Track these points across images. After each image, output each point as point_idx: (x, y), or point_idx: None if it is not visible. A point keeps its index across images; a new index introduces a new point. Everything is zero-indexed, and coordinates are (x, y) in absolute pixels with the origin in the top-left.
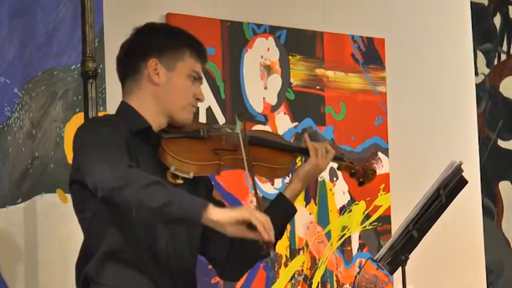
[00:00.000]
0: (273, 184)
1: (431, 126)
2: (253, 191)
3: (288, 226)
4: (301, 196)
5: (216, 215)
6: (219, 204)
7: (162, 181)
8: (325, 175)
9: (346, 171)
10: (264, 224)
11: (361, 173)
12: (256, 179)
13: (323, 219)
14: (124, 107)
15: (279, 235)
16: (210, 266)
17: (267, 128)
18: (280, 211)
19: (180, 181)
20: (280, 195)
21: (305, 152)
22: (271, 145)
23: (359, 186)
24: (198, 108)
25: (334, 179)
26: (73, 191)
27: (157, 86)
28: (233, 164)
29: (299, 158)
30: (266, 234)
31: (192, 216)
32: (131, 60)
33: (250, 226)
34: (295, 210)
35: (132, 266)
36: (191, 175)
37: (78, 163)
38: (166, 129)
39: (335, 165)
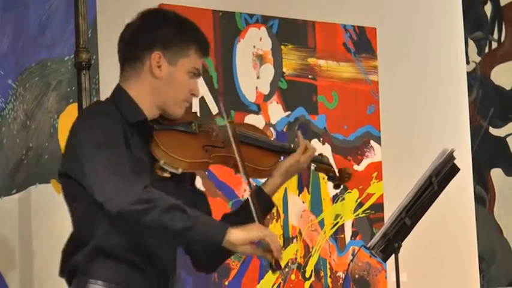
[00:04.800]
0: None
1: (423, 115)
2: (251, 196)
3: (282, 215)
4: (295, 185)
5: (232, 236)
6: (199, 193)
7: (181, 204)
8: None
9: (324, 173)
10: (275, 242)
11: (338, 176)
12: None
13: (316, 207)
14: (121, 93)
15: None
16: None
17: (260, 117)
18: (260, 205)
19: (167, 175)
20: (259, 190)
21: (290, 152)
22: (259, 144)
23: (334, 188)
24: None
25: (350, 178)
26: (65, 184)
27: (157, 79)
28: (221, 161)
29: None
30: (277, 253)
31: (213, 241)
32: (135, 48)
33: (259, 244)
34: (274, 205)
35: (122, 260)
36: (180, 171)
37: (83, 167)
38: (158, 119)
39: (313, 166)
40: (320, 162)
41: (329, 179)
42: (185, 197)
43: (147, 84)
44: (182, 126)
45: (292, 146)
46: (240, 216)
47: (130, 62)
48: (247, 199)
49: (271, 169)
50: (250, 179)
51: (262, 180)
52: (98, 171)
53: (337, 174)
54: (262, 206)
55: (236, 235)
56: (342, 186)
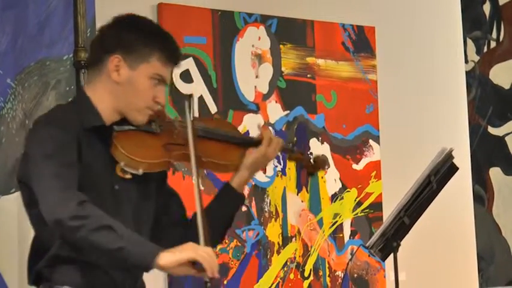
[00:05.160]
0: (265, 172)
1: (421, 114)
2: (198, 201)
3: (280, 214)
4: (293, 184)
5: (162, 260)
6: (171, 193)
7: (114, 224)
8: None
9: (295, 162)
10: (209, 261)
11: (310, 164)
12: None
13: (315, 206)
14: (82, 97)
15: (227, 225)
16: None
17: (259, 116)
18: (229, 201)
19: (128, 176)
20: (227, 186)
21: (256, 145)
22: (223, 138)
23: (308, 176)
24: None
25: (326, 166)
26: (21, 189)
27: (115, 83)
28: (184, 159)
29: None
30: (211, 272)
31: (143, 265)
32: (99, 50)
33: (195, 264)
34: (243, 200)
35: (85, 263)
36: (140, 172)
37: (31, 175)
38: (119, 121)
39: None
40: (291, 151)
41: (301, 167)
42: (151, 198)
43: (107, 88)
44: (142, 126)
45: (257, 138)
46: (218, 203)
47: (93, 65)
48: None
49: (237, 163)
50: (198, 176)
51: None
52: (41, 182)
53: (310, 163)
54: (232, 201)
55: (166, 259)
56: (314, 174)
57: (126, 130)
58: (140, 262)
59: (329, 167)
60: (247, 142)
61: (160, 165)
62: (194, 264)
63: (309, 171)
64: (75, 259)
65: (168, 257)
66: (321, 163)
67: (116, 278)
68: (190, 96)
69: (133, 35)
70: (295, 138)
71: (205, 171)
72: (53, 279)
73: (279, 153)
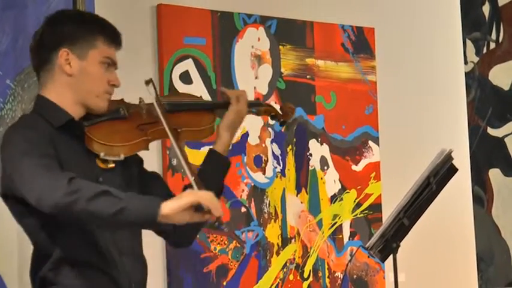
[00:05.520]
0: (264, 173)
1: (421, 115)
2: (184, 162)
3: (280, 215)
4: (293, 185)
5: (165, 209)
6: (152, 175)
7: (109, 188)
8: (316, 164)
9: (266, 115)
10: (212, 202)
11: (281, 114)
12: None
13: (314, 207)
14: (41, 101)
15: (218, 191)
16: (202, 256)
17: (258, 117)
18: (216, 166)
19: (111, 165)
20: (212, 151)
21: (223, 106)
22: (190, 107)
23: (281, 126)
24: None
25: (325, 167)
26: (8, 203)
27: (70, 76)
28: (160, 135)
29: None
30: (216, 211)
31: (148, 219)
32: (43, 51)
33: (197, 208)
34: (229, 162)
35: (88, 266)
36: (122, 157)
37: (13, 178)
38: (86, 116)
39: (254, 111)
40: (258, 105)
41: (272, 118)
42: (135, 183)
43: (63, 83)
44: (110, 114)
45: (223, 100)
46: (205, 169)
47: (42, 66)
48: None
49: (211, 127)
50: (179, 144)
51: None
52: (24, 176)
53: (280, 112)
54: (219, 166)
55: (168, 206)
56: (287, 122)
57: (97, 122)
58: (145, 217)
59: (294, 112)
60: (215, 105)
61: (138, 145)
62: (196, 209)
63: (280, 120)
64: (79, 261)
65: (170, 205)
66: (288, 110)
67: (120, 280)
68: (150, 80)
69: (72, 26)
70: (294, 139)
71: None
72: (58, 282)
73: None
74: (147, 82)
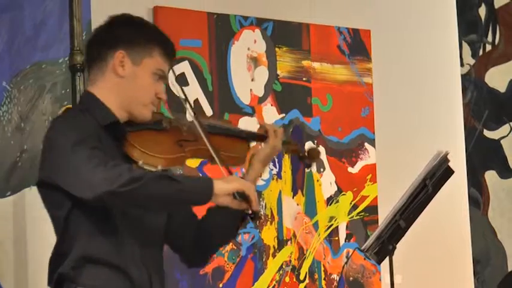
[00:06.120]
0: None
1: (417, 117)
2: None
3: (276, 217)
4: (289, 187)
5: (216, 189)
6: None
7: (166, 172)
8: (312, 166)
9: (293, 154)
10: (254, 194)
11: (306, 156)
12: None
13: (310, 210)
14: (89, 98)
15: (242, 222)
16: None
17: (254, 119)
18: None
19: None
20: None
21: (260, 138)
22: (228, 132)
23: (305, 168)
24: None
25: (321, 170)
26: (44, 193)
27: (121, 78)
28: (197, 154)
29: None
30: (256, 204)
31: (203, 198)
32: (100, 48)
33: (237, 196)
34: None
35: (108, 266)
36: (159, 168)
37: (63, 171)
38: (127, 122)
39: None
40: (289, 143)
41: (299, 158)
42: None
43: (112, 84)
44: (153, 124)
45: (261, 132)
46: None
47: (95, 63)
48: None
49: (244, 156)
50: (225, 166)
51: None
52: (80, 169)
53: (306, 154)
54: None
55: (219, 187)
56: (311, 166)
57: (139, 129)
58: (200, 197)
59: (320, 156)
60: (252, 135)
61: (176, 160)
62: (235, 197)
63: (305, 161)
64: (101, 261)
65: (221, 185)
66: (315, 154)
67: (141, 282)
68: (186, 99)
69: (134, 31)
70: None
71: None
72: (78, 282)
73: None
74: (184, 100)
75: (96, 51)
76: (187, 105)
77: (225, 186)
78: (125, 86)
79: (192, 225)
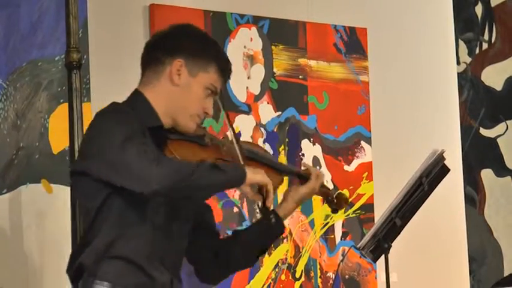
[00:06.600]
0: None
1: (413, 115)
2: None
3: None
4: (284, 184)
5: (247, 177)
6: (206, 205)
7: (211, 163)
8: (308, 163)
9: (322, 196)
10: (273, 192)
11: (335, 202)
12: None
13: (306, 207)
14: (139, 97)
15: (262, 253)
16: None
17: (250, 117)
18: (269, 229)
19: None
20: (273, 213)
21: (299, 177)
22: (266, 162)
23: (332, 213)
24: None
25: (318, 167)
26: (79, 183)
27: (175, 86)
28: None
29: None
30: (271, 201)
31: (237, 185)
32: (159, 52)
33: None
34: (283, 231)
35: (130, 263)
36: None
37: (113, 165)
38: (170, 129)
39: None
40: (324, 187)
41: (327, 202)
42: (191, 206)
43: (165, 90)
44: (196, 138)
45: (303, 172)
46: (259, 227)
47: (151, 66)
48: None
49: (276, 188)
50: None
51: None
52: (133, 165)
53: (335, 200)
54: (273, 228)
55: (249, 175)
56: (338, 211)
57: (180, 139)
58: (236, 184)
59: (347, 203)
60: (293, 173)
61: None
62: (254, 187)
63: (332, 207)
64: (122, 257)
65: (250, 175)
66: (343, 201)
67: (158, 280)
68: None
69: (196, 43)
70: (286, 139)
71: None
72: (97, 275)
73: None
74: (228, 122)
75: (155, 54)
76: (229, 127)
77: (253, 176)
78: (177, 95)
79: (214, 243)
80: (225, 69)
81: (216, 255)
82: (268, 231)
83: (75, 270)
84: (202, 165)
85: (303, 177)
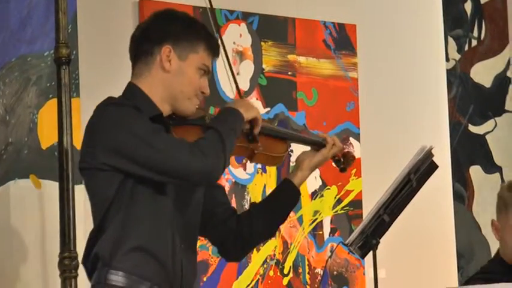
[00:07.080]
0: (245, 169)
1: (402, 111)
2: None
3: None
4: (274, 180)
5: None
6: (218, 185)
7: (211, 127)
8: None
9: (331, 158)
10: (261, 122)
11: (342, 160)
12: None
13: None
14: (134, 89)
15: (282, 221)
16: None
17: None
18: (288, 197)
19: None
20: (288, 182)
21: (315, 144)
22: (272, 133)
23: (341, 172)
24: None
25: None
26: (94, 177)
27: (167, 73)
28: (237, 152)
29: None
30: (258, 129)
31: (240, 124)
32: (146, 43)
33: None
34: (299, 197)
35: (145, 253)
36: None
37: (133, 159)
38: (170, 116)
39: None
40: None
41: (335, 162)
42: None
43: (158, 78)
44: (197, 120)
45: (319, 140)
46: (277, 196)
47: (141, 57)
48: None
49: (283, 156)
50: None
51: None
52: (183, 158)
53: (343, 159)
54: (291, 196)
55: (245, 115)
56: (346, 169)
57: (182, 124)
58: (239, 124)
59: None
60: (310, 141)
61: None
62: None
63: (340, 166)
64: (139, 247)
65: (245, 114)
66: (350, 158)
67: (173, 272)
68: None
69: (181, 26)
70: None
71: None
72: (111, 264)
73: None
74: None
75: (142, 46)
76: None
77: (246, 115)
78: (171, 81)
79: (234, 219)
80: (213, 46)
81: (239, 232)
82: (288, 199)
83: (92, 261)
84: (212, 133)
85: (321, 145)
